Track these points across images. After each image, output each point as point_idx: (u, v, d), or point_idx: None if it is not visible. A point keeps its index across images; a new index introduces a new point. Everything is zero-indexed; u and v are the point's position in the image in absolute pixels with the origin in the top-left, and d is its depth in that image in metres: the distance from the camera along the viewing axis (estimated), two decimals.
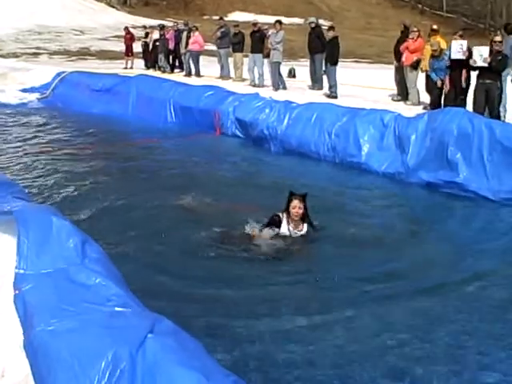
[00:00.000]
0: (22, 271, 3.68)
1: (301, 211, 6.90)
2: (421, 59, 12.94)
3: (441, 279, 6.05)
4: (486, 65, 10.52)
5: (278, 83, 15.80)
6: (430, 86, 12.34)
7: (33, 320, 3.19)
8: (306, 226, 7.03)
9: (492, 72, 10.59)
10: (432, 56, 11.94)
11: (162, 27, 21.17)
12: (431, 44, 12.13)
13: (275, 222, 6.96)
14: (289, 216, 6.92)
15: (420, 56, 12.96)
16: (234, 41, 17.52)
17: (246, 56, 17.54)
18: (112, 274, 3.98)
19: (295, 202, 6.88)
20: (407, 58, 13.18)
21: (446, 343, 4.79)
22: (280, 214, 6.97)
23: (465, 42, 11.33)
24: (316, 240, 7.05)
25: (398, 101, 13.69)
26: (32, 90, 20.82)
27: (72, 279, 3.55)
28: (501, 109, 10.96)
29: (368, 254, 6.72)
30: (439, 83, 11.70)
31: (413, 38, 13.15)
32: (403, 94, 13.70)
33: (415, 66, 13.08)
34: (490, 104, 10.70)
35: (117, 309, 3.28)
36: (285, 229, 6.95)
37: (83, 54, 33.27)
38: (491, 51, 10.65)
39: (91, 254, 3.94)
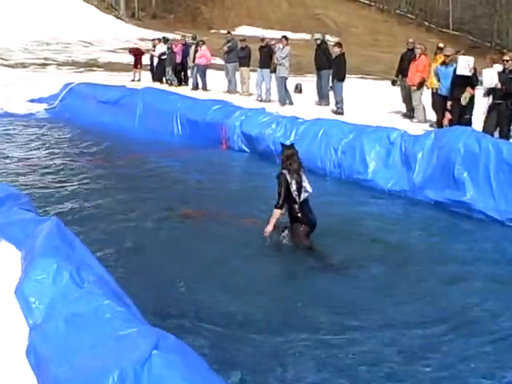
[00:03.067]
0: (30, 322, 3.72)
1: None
2: (426, 77, 12.98)
3: (442, 301, 6.02)
4: (498, 86, 10.48)
5: (285, 98, 15.85)
6: (436, 103, 12.37)
7: (44, 366, 3.21)
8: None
9: (502, 92, 10.58)
10: (443, 62, 11.96)
11: (166, 40, 21.27)
12: (446, 50, 12.20)
13: None
14: None
15: (425, 74, 12.98)
16: (240, 55, 17.61)
17: (253, 71, 17.61)
18: (113, 292, 3.99)
19: None
20: (411, 77, 13.20)
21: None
22: None
23: (472, 59, 11.28)
24: (319, 254, 7.07)
25: (405, 118, 13.71)
26: (40, 100, 20.89)
27: (74, 312, 3.54)
28: None
29: (372, 273, 6.72)
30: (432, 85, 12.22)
31: (415, 57, 13.21)
32: (410, 111, 13.72)
33: (421, 84, 13.11)
34: (500, 123, 10.68)
35: (121, 333, 3.27)
36: None
37: (91, 65, 33.44)
38: (504, 70, 10.61)
39: (88, 277, 3.96)
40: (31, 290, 3.90)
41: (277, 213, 7.06)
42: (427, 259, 7.22)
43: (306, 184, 7.13)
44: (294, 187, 7.00)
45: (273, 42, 16.98)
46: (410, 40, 14.50)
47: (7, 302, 3.85)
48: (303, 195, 7.09)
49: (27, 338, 3.49)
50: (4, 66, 30.39)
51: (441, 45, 13.99)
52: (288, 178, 7.01)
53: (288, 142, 7.80)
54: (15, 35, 39.62)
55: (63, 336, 3.36)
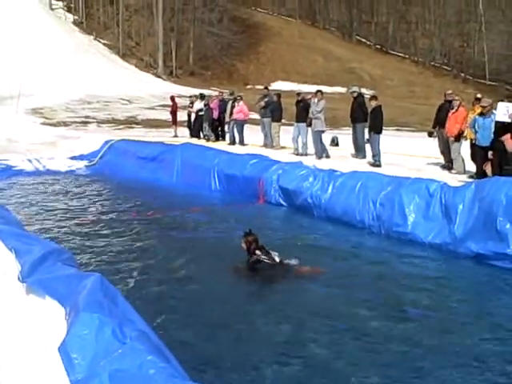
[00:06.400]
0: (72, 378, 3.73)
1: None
2: (464, 129, 12.91)
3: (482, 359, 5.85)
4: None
5: (321, 152, 15.90)
6: (475, 154, 12.26)
7: None
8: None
9: None
10: (480, 113, 11.88)
11: (202, 96, 21.69)
12: (483, 101, 12.10)
13: None
14: None
15: (464, 125, 12.91)
16: (271, 109, 17.74)
17: (289, 125, 17.76)
18: (154, 346, 3.97)
19: None
20: (450, 128, 13.13)
21: None
22: None
23: (511, 105, 11.18)
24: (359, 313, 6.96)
25: (444, 169, 13.59)
26: (81, 157, 21.43)
27: (118, 368, 3.54)
28: None
29: (414, 330, 6.59)
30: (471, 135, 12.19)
31: (453, 108, 13.17)
32: (448, 162, 13.60)
33: (459, 135, 13.03)
34: None
35: None
36: None
37: (130, 122, 34.25)
38: None
39: (131, 333, 3.96)
40: (74, 346, 3.91)
41: None
42: (468, 316, 7.06)
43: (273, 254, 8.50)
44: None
45: (308, 97, 17.15)
46: (449, 91, 14.46)
47: (51, 359, 3.86)
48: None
49: None
50: (47, 124, 31.33)
51: (478, 95, 13.96)
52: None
53: (246, 230, 9.06)
54: (58, 95, 40.97)
55: None
